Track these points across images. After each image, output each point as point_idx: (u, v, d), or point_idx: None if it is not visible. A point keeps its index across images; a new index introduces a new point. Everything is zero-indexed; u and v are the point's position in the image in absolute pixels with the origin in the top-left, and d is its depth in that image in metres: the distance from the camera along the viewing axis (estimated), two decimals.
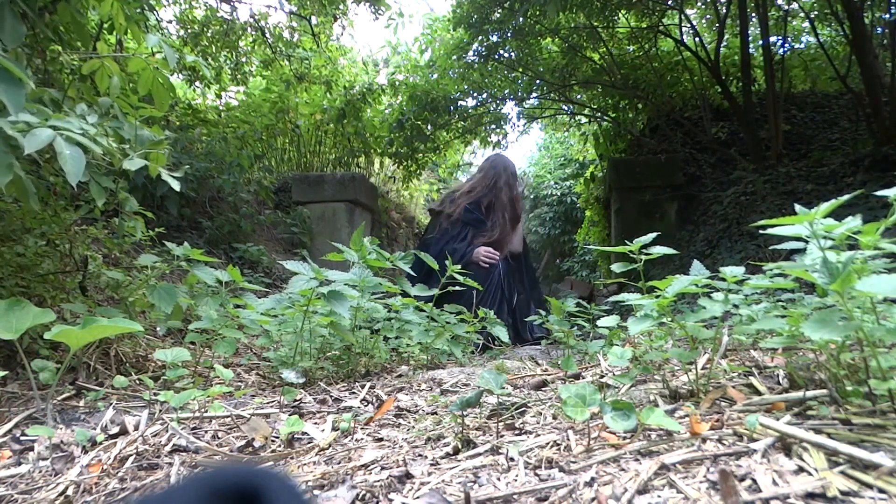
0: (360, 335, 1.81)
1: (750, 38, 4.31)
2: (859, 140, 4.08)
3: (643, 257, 1.16)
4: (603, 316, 1.49)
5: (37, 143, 1.06)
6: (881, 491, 0.60)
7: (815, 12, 4.66)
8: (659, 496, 0.65)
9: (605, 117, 5.29)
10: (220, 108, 4.94)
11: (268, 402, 1.32)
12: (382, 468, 0.84)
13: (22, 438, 1.09)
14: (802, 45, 5.52)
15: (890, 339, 0.79)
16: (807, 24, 4.85)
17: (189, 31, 4.46)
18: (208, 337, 1.61)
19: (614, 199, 4.68)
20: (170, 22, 4.51)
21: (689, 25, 4.62)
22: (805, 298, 1.34)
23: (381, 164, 6.09)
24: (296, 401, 1.33)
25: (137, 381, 1.47)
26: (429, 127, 5.13)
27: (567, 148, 8.87)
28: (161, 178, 1.38)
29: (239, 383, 1.59)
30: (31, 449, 1.03)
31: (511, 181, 3.16)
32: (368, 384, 1.49)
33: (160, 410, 1.23)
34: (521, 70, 4.93)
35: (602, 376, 1.35)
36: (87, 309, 1.52)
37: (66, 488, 0.88)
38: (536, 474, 0.76)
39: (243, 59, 4.81)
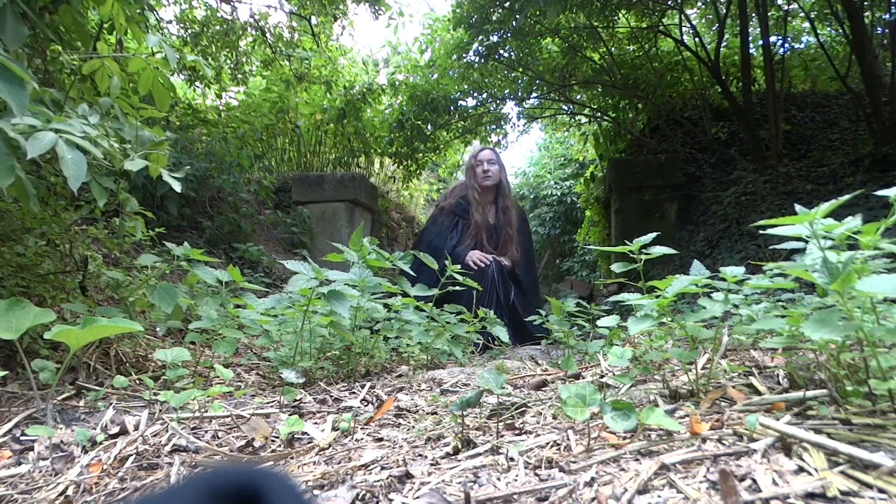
0: (360, 335, 1.81)
1: (750, 38, 4.31)
2: (859, 140, 4.08)
3: (643, 257, 1.16)
4: (603, 316, 1.49)
5: (39, 147, 1.05)
6: (881, 491, 0.60)
7: (815, 12, 4.66)
8: (659, 496, 0.65)
9: (605, 117, 5.29)
10: (220, 108, 4.94)
11: (268, 402, 1.32)
12: (382, 468, 0.84)
13: (22, 438, 1.09)
14: (802, 45, 5.52)
15: (890, 339, 0.79)
16: (807, 24, 4.86)
17: (189, 31, 4.46)
18: (208, 337, 1.61)
19: (614, 199, 4.68)
20: (170, 22, 4.51)
21: (689, 25, 4.62)
22: (805, 298, 1.34)
23: (381, 164, 6.09)
24: (296, 401, 1.33)
25: (137, 381, 1.48)
26: (429, 127, 5.13)
27: (567, 148, 8.86)
28: (161, 178, 1.39)
29: (239, 383, 1.59)
30: (31, 449, 1.03)
31: (469, 172, 3.23)
32: (368, 384, 1.49)
33: (160, 410, 1.24)
34: (521, 70, 4.93)
35: (602, 376, 1.35)
36: (87, 309, 1.52)
37: (66, 488, 0.88)
38: (536, 474, 0.76)
39: (243, 59, 4.80)
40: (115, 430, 1.12)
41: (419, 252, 1.93)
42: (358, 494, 0.75)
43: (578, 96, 5.48)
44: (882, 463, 0.63)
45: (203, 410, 1.20)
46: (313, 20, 4.76)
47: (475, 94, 5.20)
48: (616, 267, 1.19)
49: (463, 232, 3.15)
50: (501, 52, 4.77)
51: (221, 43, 4.53)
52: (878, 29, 4.31)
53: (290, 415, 1.17)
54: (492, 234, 3.20)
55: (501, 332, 2.00)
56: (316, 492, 0.78)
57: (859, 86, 4.08)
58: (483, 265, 2.99)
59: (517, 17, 4.20)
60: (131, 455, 0.99)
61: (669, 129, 4.95)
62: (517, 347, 2.66)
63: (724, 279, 1.08)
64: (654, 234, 1.13)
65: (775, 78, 4.08)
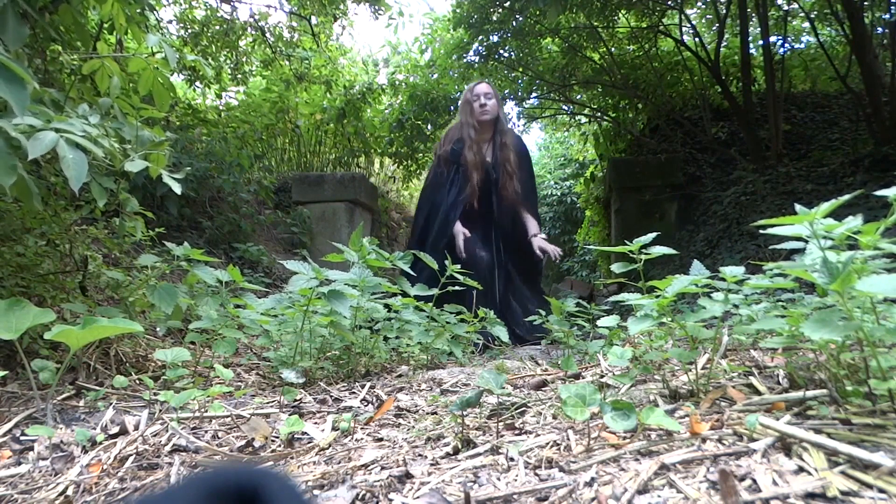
0: (360, 335, 1.81)
1: (750, 38, 4.32)
2: (859, 140, 4.08)
3: (643, 257, 1.16)
4: (603, 316, 1.49)
5: (41, 147, 1.05)
6: (881, 491, 0.60)
7: (815, 12, 4.66)
8: (659, 496, 0.65)
9: (605, 117, 5.29)
10: (220, 108, 4.94)
11: (268, 402, 1.32)
12: (382, 468, 0.84)
13: (22, 438, 1.09)
14: (802, 45, 5.53)
15: (890, 339, 0.79)
16: (807, 24, 4.86)
17: (189, 31, 4.46)
18: (208, 337, 1.61)
19: (614, 199, 4.69)
20: (170, 22, 4.52)
21: (689, 25, 4.62)
22: (805, 298, 1.34)
23: (381, 164, 6.09)
24: (296, 401, 1.33)
25: (137, 381, 1.47)
26: (429, 127, 5.14)
27: (567, 148, 8.87)
28: (161, 179, 1.38)
29: (239, 383, 1.59)
30: (31, 449, 1.03)
31: (465, 108, 3.05)
32: (368, 384, 1.49)
33: (160, 410, 1.24)
34: (521, 70, 4.94)
35: (602, 376, 1.35)
36: (87, 309, 1.52)
37: (66, 488, 0.88)
38: (536, 474, 0.76)
39: (243, 59, 4.81)
40: (115, 430, 1.12)
41: (419, 249, 1.93)
42: (358, 494, 0.75)
43: (578, 96, 5.48)
44: (882, 463, 0.63)
45: (203, 410, 1.20)
46: (313, 20, 4.76)
47: None
48: (616, 267, 1.18)
49: (462, 182, 2.96)
50: (501, 52, 4.78)
51: (221, 43, 4.53)
52: (878, 29, 4.32)
53: (290, 415, 1.17)
54: (490, 173, 3.00)
55: (501, 332, 2.00)
56: (316, 492, 0.78)
57: (859, 86, 4.09)
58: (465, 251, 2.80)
59: (517, 17, 4.20)
60: (131, 455, 0.99)
61: (669, 129, 4.95)
62: (517, 347, 2.66)
63: (724, 279, 1.08)
64: (653, 234, 1.13)
65: (775, 78, 4.08)
